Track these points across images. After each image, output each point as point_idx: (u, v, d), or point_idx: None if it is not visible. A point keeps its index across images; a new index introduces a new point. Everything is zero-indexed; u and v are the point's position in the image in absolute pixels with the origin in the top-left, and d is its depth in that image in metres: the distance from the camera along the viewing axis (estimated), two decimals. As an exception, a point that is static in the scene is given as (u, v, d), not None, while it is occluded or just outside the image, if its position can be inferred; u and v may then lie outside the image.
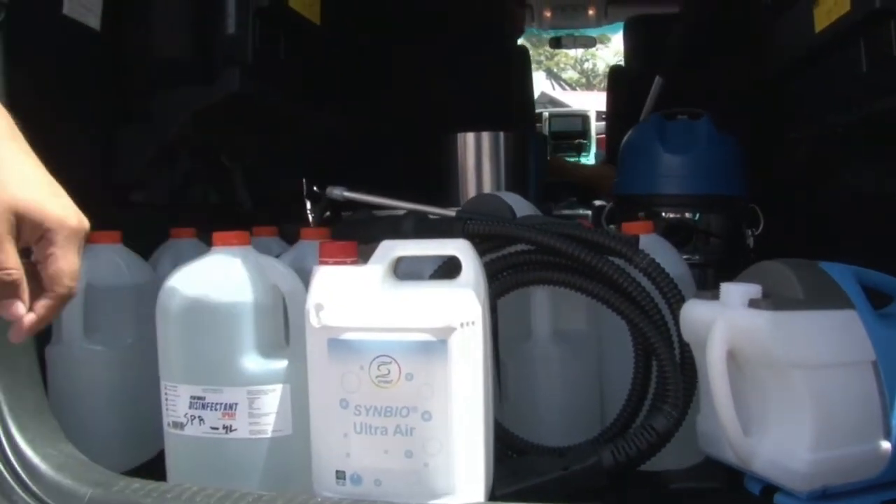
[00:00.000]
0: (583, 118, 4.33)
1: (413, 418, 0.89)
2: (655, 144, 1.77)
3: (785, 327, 0.90)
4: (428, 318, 0.90)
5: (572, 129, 3.70)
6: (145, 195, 1.40)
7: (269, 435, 0.96)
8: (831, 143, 1.61)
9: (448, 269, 1.04)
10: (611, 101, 2.23)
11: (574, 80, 13.10)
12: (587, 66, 14.35)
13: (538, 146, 1.94)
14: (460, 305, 0.91)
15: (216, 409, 0.96)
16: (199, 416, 0.96)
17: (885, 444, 0.91)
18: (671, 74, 1.88)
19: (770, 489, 0.98)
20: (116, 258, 1.14)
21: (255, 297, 0.97)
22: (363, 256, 0.97)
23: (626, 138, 1.88)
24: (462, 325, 0.90)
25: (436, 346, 0.89)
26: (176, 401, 0.98)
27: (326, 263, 0.96)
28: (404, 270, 0.99)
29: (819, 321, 0.92)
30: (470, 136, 1.75)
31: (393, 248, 0.95)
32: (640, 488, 1.04)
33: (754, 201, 1.78)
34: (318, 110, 1.61)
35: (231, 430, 0.96)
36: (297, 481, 0.97)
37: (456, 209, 1.20)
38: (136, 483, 0.95)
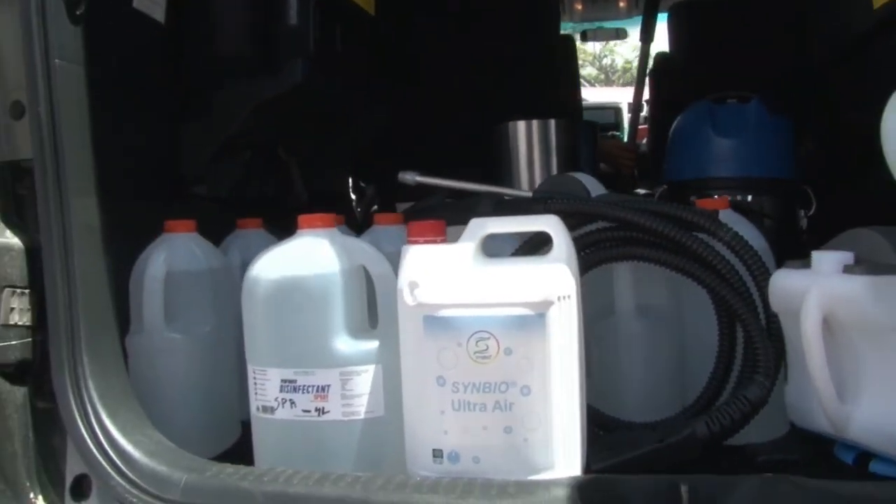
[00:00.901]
0: (615, 111, 4.32)
1: (512, 393, 0.89)
2: (706, 128, 1.76)
3: (882, 291, 0.88)
4: (525, 293, 0.89)
5: (605, 122, 3.69)
6: (208, 188, 1.40)
7: (361, 416, 0.96)
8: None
9: (532, 246, 1.03)
10: (654, 89, 2.22)
11: (593, 76, 13.05)
12: (605, 62, 14.29)
13: (588, 133, 1.93)
14: (556, 279, 0.90)
15: (308, 392, 0.95)
16: (290, 400, 0.96)
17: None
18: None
19: (864, 457, 0.97)
20: (192, 245, 1.14)
21: (344, 277, 0.96)
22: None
23: (675, 125, 1.87)
24: (559, 298, 0.89)
25: (534, 321, 0.88)
26: (265, 385, 0.97)
27: (416, 243, 0.95)
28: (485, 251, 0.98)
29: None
30: (521, 125, 1.74)
31: (483, 225, 0.94)
32: (729, 461, 1.03)
33: (807, 183, 1.77)
34: (372, 102, 1.61)
35: (323, 413, 0.95)
36: (390, 463, 0.96)
37: (531, 191, 1.19)
38: (230, 468, 0.95)
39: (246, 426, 1.15)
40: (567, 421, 0.90)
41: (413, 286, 0.91)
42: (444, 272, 0.92)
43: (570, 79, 2.07)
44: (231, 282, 1.18)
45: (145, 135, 1.26)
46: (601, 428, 1.06)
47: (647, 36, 2.57)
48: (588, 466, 0.94)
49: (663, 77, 2.18)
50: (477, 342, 0.89)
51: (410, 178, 1.25)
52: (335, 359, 0.95)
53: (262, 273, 0.97)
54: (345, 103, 1.54)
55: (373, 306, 1.00)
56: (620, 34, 3.36)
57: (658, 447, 0.95)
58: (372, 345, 0.97)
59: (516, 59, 1.86)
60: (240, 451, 1.09)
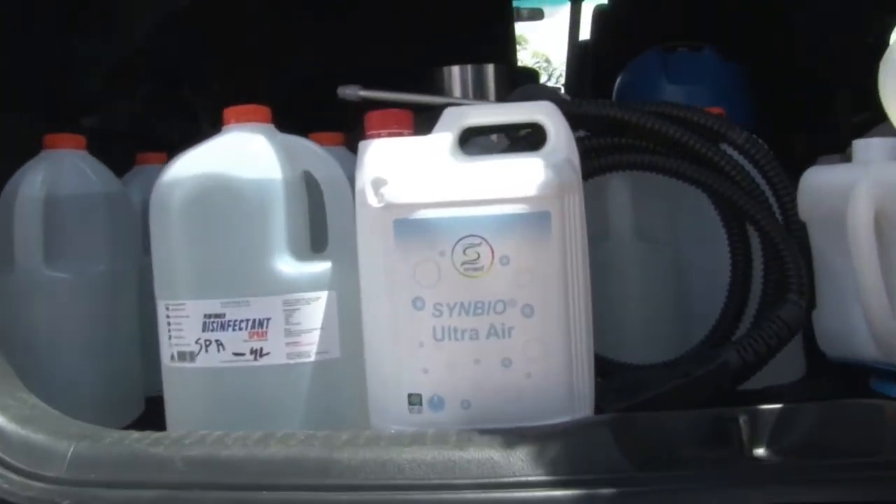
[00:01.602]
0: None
1: (511, 314, 0.69)
2: (659, 78, 1.65)
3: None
4: (524, 187, 0.70)
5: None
6: (101, 120, 1.16)
7: (311, 359, 0.74)
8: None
9: (523, 144, 0.84)
10: (595, 43, 2.09)
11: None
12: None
13: (529, 80, 1.77)
14: (559, 173, 0.71)
15: (241, 329, 0.73)
16: (216, 341, 0.74)
17: None
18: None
19: None
20: (81, 164, 0.90)
21: (286, 184, 0.75)
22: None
23: (623, 77, 1.74)
24: (565, 193, 0.71)
25: (536, 221, 0.69)
26: (182, 324, 0.75)
27: (378, 136, 0.75)
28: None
29: None
30: (455, 70, 1.56)
31: (461, 116, 0.75)
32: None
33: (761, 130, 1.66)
34: (302, 39, 1.40)
35: (261, 356, 0.73)
36: (347, 420, 0.75)
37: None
38: (136, 433, 0.72)
39: (151, 402, 0.92)
40: (579, 349, 0.71)
41: (379, 184, 0.71)
42: (419, 168, 0.72)
43: (505, 26, 1.92)
44: (132, 216, 0.94)
45: (20, 51, 1.01)
46: (597, 373, 0.88)
47: None
48: (601, 413, 0.75)
49: (604, 29, 2.04)
50: (465, 250, 0.69)
51: (352, 92, 1.04)
52: (276, 284, 0.74)
53: (179, 177, 0.75)
54: (269, 34, 1.32)
55: (315, 228, 0.79)
56: (536, 15, 3.19)
57: (683, 382, 0.77)
58: (322, 266, 0.75)
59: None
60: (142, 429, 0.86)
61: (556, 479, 0.60)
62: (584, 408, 0.72)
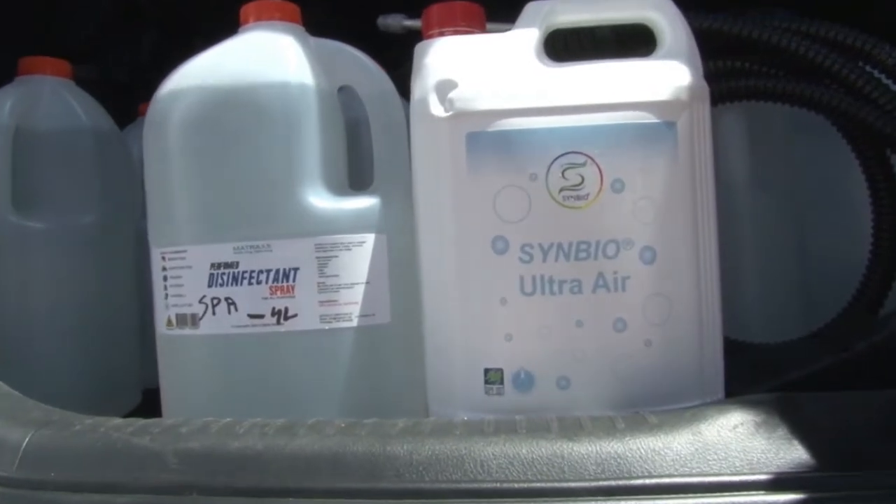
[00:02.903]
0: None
1: (626, 259, 0.51)
2: None
3: None
4: (642, 91, 0.52)
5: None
6: (96, 70, 0.99)
7: (352, 323, 0.56)
8: None
9: (623, 44, 0.66)
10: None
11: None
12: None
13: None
14: (685, 74, 0.53)
15: (259, 282, 0.55)
16: (226, 299, 0.55)
17: None
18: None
19: None
20: (64, 94, 0.72)
21: (321, 93, 0.57)
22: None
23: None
24: (694, 101, 0.52)
25: (659, 134, 0.51)
26: (183, 277, 0.57)
27: (441, 34, 0.57)
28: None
29: None
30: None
31: (549, 12, 0.57)
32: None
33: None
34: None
35: (286, 318, 0.55)
36: (400, 404, 0.57)
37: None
38: (116, 420, 0.53)
39: (148, 394, 0.75)
40: (710, 311, 0.53)
41: (446, 87, 0.53)
42: (495, 70, 0.54)
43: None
44: (130, 164, 0.77)
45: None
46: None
47: None
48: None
49: None
50: (564, 171, 0.51)
51: (395, 22, 0.87)
52: (307, 223, 0.55)
53: (182, 87, 0.57)
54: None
55: (359, 166, 0.62)
56: None
57: (843, 358, 0.58)
58: (367, 203, 0.57)
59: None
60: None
61: (715, 481, 0.41)
62: (716, 388, 0.53)
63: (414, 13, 0.90)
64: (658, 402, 0.51)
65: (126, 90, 1.03)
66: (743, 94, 0.71)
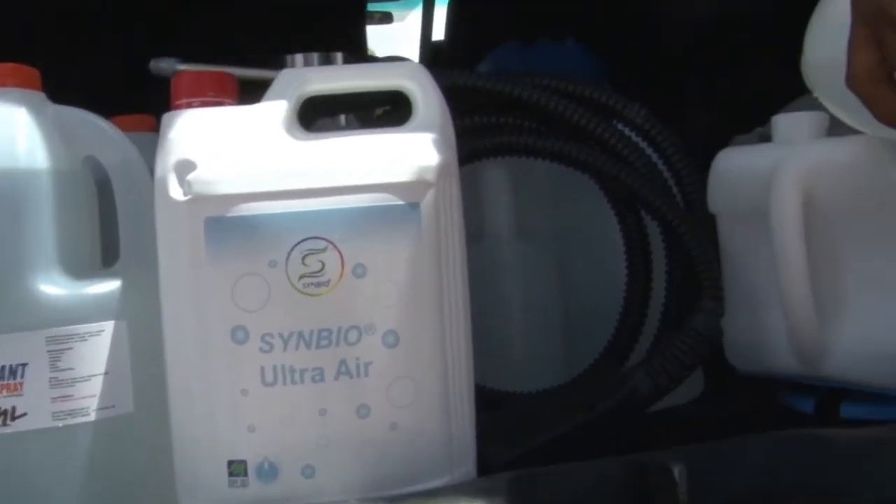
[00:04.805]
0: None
1: (369, 345, 0.51)
2: (520, 70, 1.51)
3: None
4: (386, 171, 0.52)
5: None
6: None
7: (90, 417, 0.53)
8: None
9: (379, 120, 0.66)
10: (451, 33, 1.93)
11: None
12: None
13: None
14: (431, 152, 0.53)
15: (-16, 379, 0.51)
16: (-54, 399, 0.51)
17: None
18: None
19: (827, 403, 0.69)
20: None
21: (56, 171, 0.54)
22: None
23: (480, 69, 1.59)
24: (439, 179, 0.53)
25: (401, 216, 0.51)
26: None
27: (189, 106, 0.55)
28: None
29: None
30: (299, 58, 1.36)
31: (301, 80, 0.56)
32: (656, 427, 0.71)
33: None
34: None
35: (13, 418, 0.51)
36: (150, 497, 0.54)
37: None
38: None
39: None
40: (458, 386, 0.54)
41: (185, 168, 0.51)
42: (240, 148, 0.52)
43: (358, 27, 1.73)
44: None
45: None
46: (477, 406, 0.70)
47: None
48: (487, 466, 0.57)
49: (458, 27, 1.89)
50: (304, 258, 0.50)
51: (168, 66, 0.83)
52: (38, 313, 0.52)
53: None
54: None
55: (109, 235, 0.58)
56: (385, 19, 2.99)
57: (587, 418, 0.61)
58: (107, 287, 0.54)
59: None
60: None
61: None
62: (465, 461, 0.54)
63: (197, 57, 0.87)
64: (406, 483, 0.51)
65: None
66: (504, 151, 0.73)
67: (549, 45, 1.58)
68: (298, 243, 0.50)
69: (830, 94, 0.56)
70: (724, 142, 0.96)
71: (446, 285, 0.53)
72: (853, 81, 0.46)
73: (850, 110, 0.54)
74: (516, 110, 0.72)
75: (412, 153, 0.53)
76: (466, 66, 1.60)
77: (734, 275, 0.72)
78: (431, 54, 2.30)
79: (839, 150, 0.62)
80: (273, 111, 0.54)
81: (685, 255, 0.69)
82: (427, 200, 0.52)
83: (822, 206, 0.63)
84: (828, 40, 0.53)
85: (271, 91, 0.55)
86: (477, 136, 0.72)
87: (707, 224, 0.71)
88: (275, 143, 0.53)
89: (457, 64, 1.90)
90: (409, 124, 0.56)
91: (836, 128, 0.64)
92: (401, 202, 0.51)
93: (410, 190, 0.51)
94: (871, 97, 0.46)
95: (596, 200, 0.74)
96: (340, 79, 0.58)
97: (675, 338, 0.65)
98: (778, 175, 0.63)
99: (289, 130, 0.54)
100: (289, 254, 0.50)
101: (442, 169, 0.53)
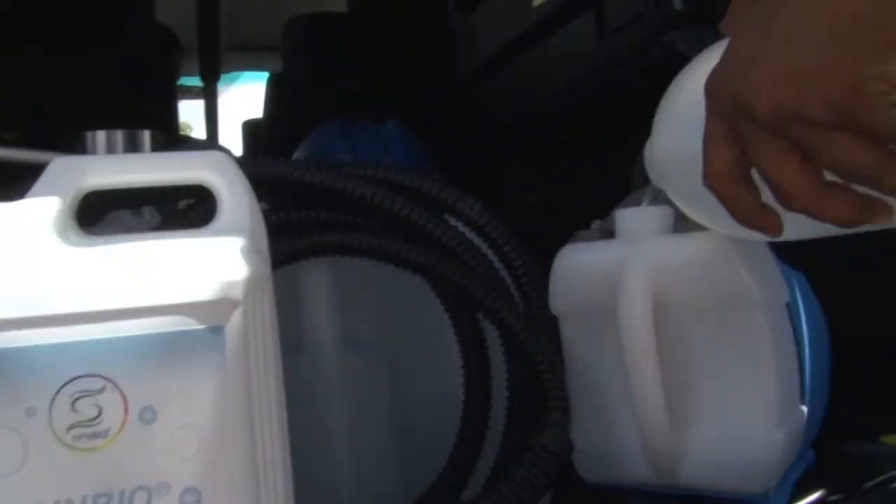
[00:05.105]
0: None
1: (162, 510, 0.40)
2: (341, 150, 1.46)
3: (744, 252, 0.58)
4: (181, 288, 0.42)
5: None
6: None
7: None
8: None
9: (183, 215, 0.56)
10: (272, 113, 1.84)
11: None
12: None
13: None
14: (237, 261, 0.45)
15: None
16: None
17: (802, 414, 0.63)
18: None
19: None
20: None
21: None
22: None
23: (299, 150, 1.53)
24: (248, 295, 0.44)
25: (202, 343, 0.42)
26: None
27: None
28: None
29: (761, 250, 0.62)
30: (101, 136, 1.23)
31: (78, 171, 0.45)
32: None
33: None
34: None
35: None
36: None
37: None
38: None
39: None
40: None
41: None
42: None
43: (167, 85, 1.61)
44: None
45: None
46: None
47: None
48: None
49: (278, 103, 1.81)
50: (74, 401, 0.39)
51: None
52: None
53: None
54: None
55: None
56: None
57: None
58: None
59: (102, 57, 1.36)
60: None
61: None
62: None
63: None
64: None
65: None
66: (326, 250, 0.65)
67: (371, 126, 1.55)
68: (66, 384, 0.39)
69: (680, 190, 0.53)
70: (544, 222, 0.93)
71: (259, 424, 0.43)
72: (711, 179, 0.43)
73: (702, 207, 0.51)
74: (340, 204, 0.64)
75: (215, 264, 0.44)
76: (287, 144, 1.55)
77: (580, 380, 0.66)
78: (250, 131, 2.20)
79: (688, 248, 0.58)
80: (41, 209, 0.43)
81: (528, 364, 0.63)
82: (233, 322, 0.43)
83: (671, 306, 0.59)
84: (677, 134, 0.49)
85: (41, 183, 0.45)
86: (294, 234, 0.64)
87: (549, 328, 0.66)
88: (40, 252, 0.42)
89: (276, 142, 1.84)
90: (213, 226, 0.47)
91: (679, 222, 0.61)
92: (200, 327, 0.42)
93: (212, 311, 0.42)
94: (728, 196, 0.43)
95: (429, 304, 0.67)
96: (127, 171, 0.48)
97: (523, 458, 0.59)
98: (626, 274, 0.58)
99: (61, 234, 0.43)
100: (53, 398, 0.39)
101: (251, 283, 0.44)
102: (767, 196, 0.41)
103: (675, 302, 0.59)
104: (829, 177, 0.39)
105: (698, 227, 0.58)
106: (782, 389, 0.60)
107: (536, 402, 0.63)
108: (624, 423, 0.63)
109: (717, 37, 0.84)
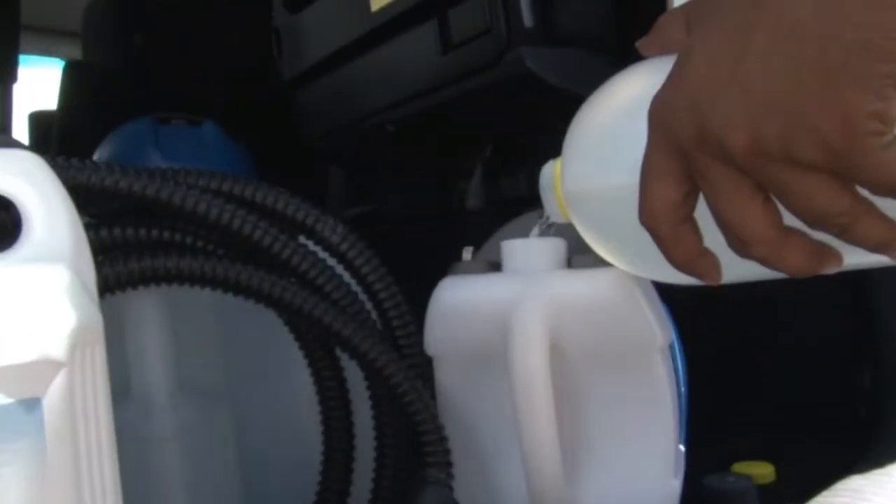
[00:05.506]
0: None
1: None
2: (150, 152, 1.32)
3: (647, 292, 0.53)
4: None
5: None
6: None
7: None
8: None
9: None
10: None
11: None
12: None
13: None
14: (61, 303, 0.33)
15: None
16: None
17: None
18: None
19: None
20: None
21: None
22: None
23: (101, 149, 1.36)
24: (75, 352, 0.33)
25: (10, 422, 0.30)
26: None
27: None
28: None
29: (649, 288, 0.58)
30: None
31: None
32: None
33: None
34: None
35: None
36: None
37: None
38: None
39: None
40: None
41: None
42: None
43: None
44: None
45: None
46: None
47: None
48: None
49: (78, 95, 1.60)
50: None
51: None
52: None
53: None
54: None
55: None
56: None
57: None
58: None
59: None
60: None
61: None
62: None
63: None
64: None
65: None
66: (157, 278, 0.53)
67: (184, 128, 1.41)
68: None
69: (597, 226, 0.46)
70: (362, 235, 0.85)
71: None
72: (650, 219, 0.36)
73: (622, 247, 0.45)
74: (172, 221, 0.53)
75: (25, 308, 0.32)
76: (86, 141, 1.37)
77: (459, 428, 0.59)
78: (39, 125, 1.94)
79: (588, 285, 0.52)
80: None
81: (400, 411, 0.55)
82: (54, 391, 0.31)
83: (565, 348, 0.53)
84: (598, 163, 0.43)
85: None
86: (118, 256, 0.52)
87: (423, 370, 0.57)
88: None
89: (73, 139, 1.64)
90: (20, 249, 0.35)
91: (575, 256, 0.55)
92: (7, 401, 0.30)
93: (24, 378, 0.31)
94: (669, 239, 0.36)
95: (281, 341, 0.57)
96: None
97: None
98: (518, 312, 0.51)
99: None
100: None
101: (79, 334, 0.33)
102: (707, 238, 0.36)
103: (570, 343, 0.53)
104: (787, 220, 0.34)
105: (594, 263, 0.52)
106: (677, 436, 0.56)
107: (410, 457, 0.55)
108: (509, 472, 0.56)
109: (573, 57, 0.79)
